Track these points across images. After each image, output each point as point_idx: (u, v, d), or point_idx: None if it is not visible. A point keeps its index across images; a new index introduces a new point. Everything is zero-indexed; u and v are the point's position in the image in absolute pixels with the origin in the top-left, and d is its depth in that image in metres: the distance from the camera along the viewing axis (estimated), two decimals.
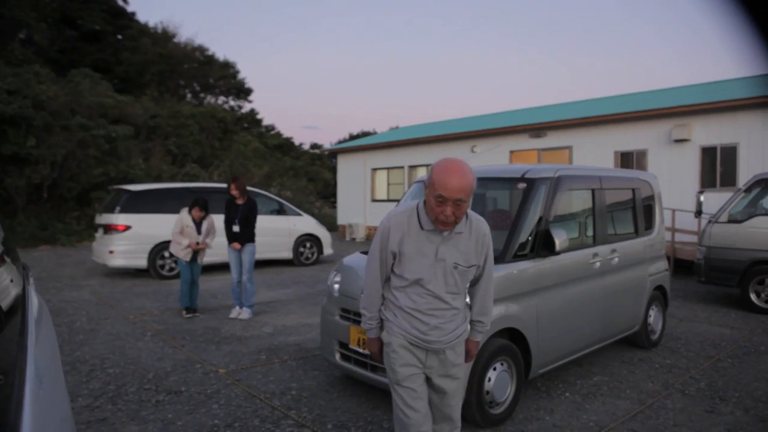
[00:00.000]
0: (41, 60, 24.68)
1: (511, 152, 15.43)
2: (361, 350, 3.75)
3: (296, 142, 41.29)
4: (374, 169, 19.38)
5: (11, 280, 1.90)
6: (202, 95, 38.25)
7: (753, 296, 7.46)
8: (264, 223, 10.43)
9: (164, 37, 33.96)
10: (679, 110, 12.00)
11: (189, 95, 37.08)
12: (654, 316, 5.51)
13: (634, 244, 5.12)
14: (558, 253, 3.90)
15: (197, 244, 6.58)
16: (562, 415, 3.81)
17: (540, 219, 3.92)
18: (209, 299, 7.76)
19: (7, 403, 1.01)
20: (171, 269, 9.68)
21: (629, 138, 12.97)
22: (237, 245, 6.57)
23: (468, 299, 2.50)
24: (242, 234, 6.58)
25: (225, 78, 38.84)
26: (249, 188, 8.47)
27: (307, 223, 11.91)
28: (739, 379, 4.61)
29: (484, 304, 2.50)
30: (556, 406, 3.96)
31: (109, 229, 9.51)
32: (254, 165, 27.06)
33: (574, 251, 4.28)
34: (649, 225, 5.48)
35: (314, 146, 43.14)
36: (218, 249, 7.71)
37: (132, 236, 9.41)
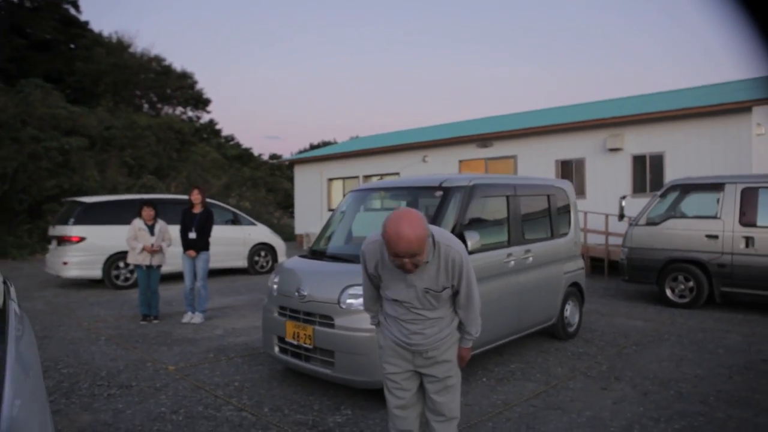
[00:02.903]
0: None
1: (461, 161, 16.12)
2: (295, 342, 4.19)
3: (258, 152, 41.31)
4: (330, 179, 19.81)
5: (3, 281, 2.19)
6: (159, 106, 37.87)
7: (668, 292, 8.21)
8: (219, 233, 10.69)
9: (119, 46, 33.61)
10: (613, 121, 12.89)
11: (146, 106, 36.68)
12: (570, 310, 6.12)
13: (548, 245, 5.72)
14: (471, 253, 4.42)
15: (151, 246, 6.88)
16: (475, 395, 4.32)
17: (455, 222, 4.45)
18: (164, 306, 7.99)
19: None
20: (126, 279, 9.87)
21: (569, 147, 13.81)
22: (192, 252, 6.91)
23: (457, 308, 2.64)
24: (198, 241, 6.93)
25: (182, 89, 38.56)
26: (217, 202, 8.85)
27: (261, 233, 12.25)
28: (636, 362, 5.23)
29: (467, 317, 2.63)
30: (471, 389, 4.48)
31: (62, 240, 9.65)
32: (213, 176, 27.10)
33: (488, 251, 4.84)
34: (565, 228, 6.10)
35: (273, 156, 43.26)
36: (174, 258, 7.95)
37: (86, 247, 9.57)
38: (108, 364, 5.01)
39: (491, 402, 4.19)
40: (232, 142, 42.51)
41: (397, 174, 17.35)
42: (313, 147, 46.80)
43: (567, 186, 6.31)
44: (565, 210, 6.14)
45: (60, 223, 10.06)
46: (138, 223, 6.90)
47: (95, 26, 37.61)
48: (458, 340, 2.68)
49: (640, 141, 12.64)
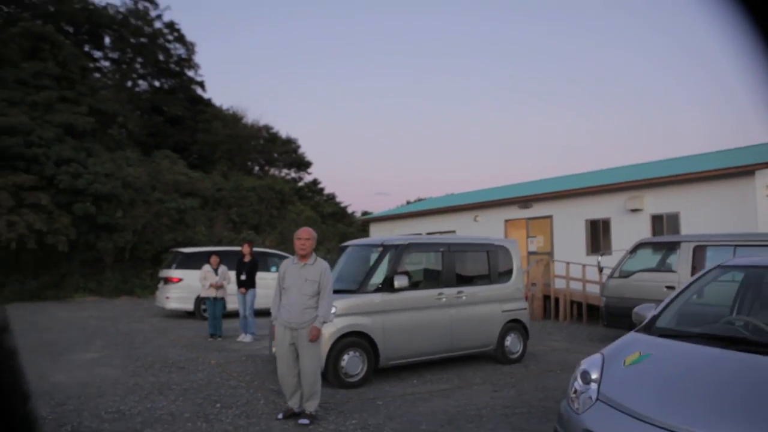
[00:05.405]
0: (132, 143, 29.87)
1: (506, 221, 17.91)
2: None
3: (365, 209, 44.59)
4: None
5: None
6: (266, 168, 42.82)
7: None
8: None
9: (233, 119, 39.19)
10: (633, 184, 14.23)
11: (256, 168, 41.74)
12: (511, 340, 7.85)
13: (485, 289, 7.62)
14: (397, 290, 6.56)
15: (216, 282, 9.66)
16: (397, 389, 6.33)
17: (389, 269, 6.63)
18: (231, 331, 10.65)
19: None
20: None
21: (596, 208, 15.22)
22: (243, 290, 9.58)
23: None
24: (247, 281, 9.60)
25: (287, 153, 43.30)
26: (269, 250, 11.58)
27: None
28: (543, 380, 6.88)
29: (321, 306, 4.89)
30: (399, 385, 6.49)
31: (167, 280, 12.85)
32: None
33: (421, 290, 6.94)
34: (506, 276, 7.95)
35: (364, 213, 46.51)
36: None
37: (183, 287, 12.67)
38: (175, 358, 7.67)
39: (404, 391, 6.20)
40: (331, 200, 46.21)
41: (454, 231, 19.39)
42: (409, 203, 49.80)
43: (510, 244, 8.19)
44: (507, 262, 8.00)
45: (166, 267, 13.34)
46: (207, 267, 9.73)
47: (216, 101, 43.74)
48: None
49: (658, 202, 13.84)
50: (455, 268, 7.36)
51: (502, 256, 7.98)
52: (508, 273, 8.02)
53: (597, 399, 3.03)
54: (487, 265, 7.78)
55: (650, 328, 3.63)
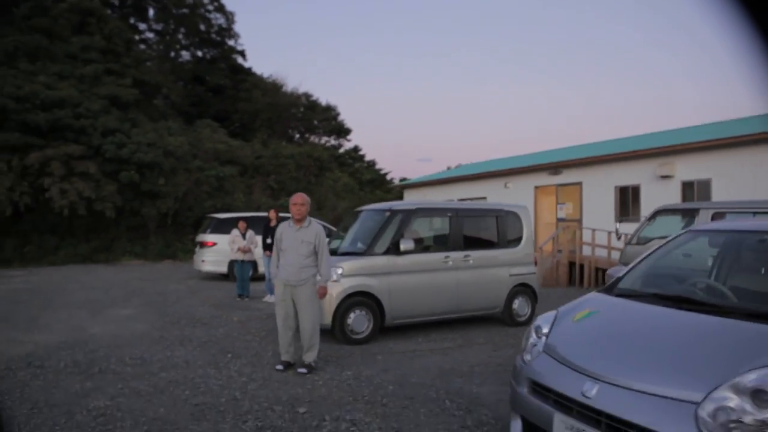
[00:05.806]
0: (175, 113, 30.86)
1: (536, 187, 17.85)
2: None
3: (406, 175, 44.80)
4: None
5: None
6: (306, 136, 43.31)
7: None
8: None
9: (273, 87, 39.72)
10: (664, 150, 13.95)
11: (297, 136, 42.31)
12: (519, 304, 8.08)
13: (492, 253, 7.85)
14: (403, 254, 6.88)
15: (243, 246, 10.23)
16: (400, 346, 6.71)
17: (395, 232, 6.95)
18: (259, 293, 11.29)
19: None
20: None
21: (626, 175, 15.01)
22: (268, 253, 10.10)
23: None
24: (272, 245, 10.08)
25: (327, 120, 43.61)
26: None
27: None
28: None
29: (321, 266, 5.37)
30: (403, 343, 6.87)
31: (203, 245, 13.58)
32: (341, 199, 31.17)
33: (428, 253, 7.24)
34: (515, 241, 8.14)
35: (402, 179, 46.58)
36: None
37: (217, 250, 13.35)
38: (201, 315, 8.31)
39: (406, 348, 6.58)
40: (371, 167, 46.30)
41: (485, 198, 19.46)
42: (449, 169, 49.64)
43: (522, 210, 8.34)
44: (517, 228, 8.17)
45: (202, 232, 14.06)
46: (235, 232, 10.31)
47: (256, 69, 44.26)
48: (317, 282, 5.32)
49: (690, 169, 13.55)
50: (462, 232, 7.61)
51: (512, 222, 8.15)
52: (518, 238, 8.20)
53: (543, 351, 3.31)
54: (496, 231, 7.98)
55: (612, 289, 3.83)
